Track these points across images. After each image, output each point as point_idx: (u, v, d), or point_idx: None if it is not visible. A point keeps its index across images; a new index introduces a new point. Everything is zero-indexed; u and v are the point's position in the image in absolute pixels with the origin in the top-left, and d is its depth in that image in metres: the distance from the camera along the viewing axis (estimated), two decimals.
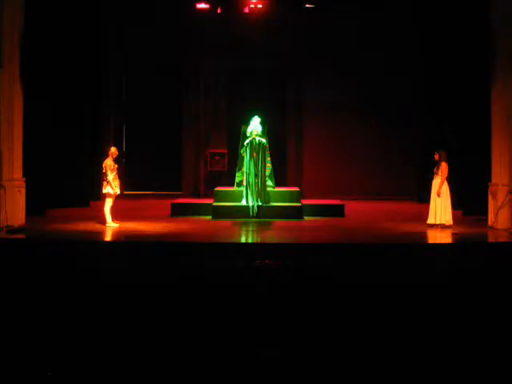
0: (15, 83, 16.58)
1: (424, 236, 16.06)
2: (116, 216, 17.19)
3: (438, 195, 16.51)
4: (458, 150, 18.46)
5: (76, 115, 20.21)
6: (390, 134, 23.76)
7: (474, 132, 18.25)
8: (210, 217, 18.80)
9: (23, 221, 16.76)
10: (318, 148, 24.06)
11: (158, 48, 23.86)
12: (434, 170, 16.71)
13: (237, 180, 20.00)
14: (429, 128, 21.26)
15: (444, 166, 16.57)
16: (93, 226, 16.95)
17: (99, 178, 18.33)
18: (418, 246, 15.12)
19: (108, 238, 15.84)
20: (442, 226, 16.54)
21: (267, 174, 19.57)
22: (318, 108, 23.91)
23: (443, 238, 15.80)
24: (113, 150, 17.08)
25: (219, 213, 18.78)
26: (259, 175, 18.89)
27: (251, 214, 18.59)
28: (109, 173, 16.70)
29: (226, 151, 24.25)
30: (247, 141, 19.09)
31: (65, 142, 19.66)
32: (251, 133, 19.11)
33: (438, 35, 20.46)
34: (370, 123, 23.75)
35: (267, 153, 19.35)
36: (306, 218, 18.86)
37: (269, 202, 19.12)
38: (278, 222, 18.24)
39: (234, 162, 21.04)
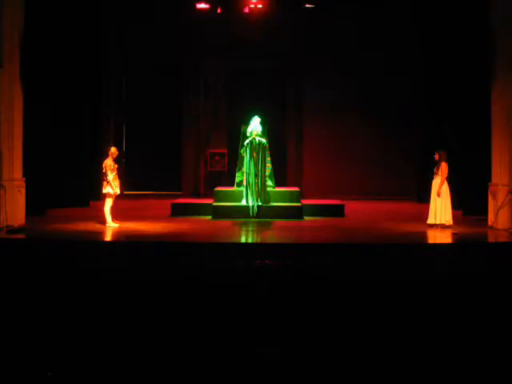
0: (15, 83, 16.59)
1: (424, 236, 16.08)
2: (116, 216, 17.21)
3: (438, 195, 16.52)
4: (458, 149, 18.47)
5: (76, 115, 20.23)
6: (390, 134, 23.77)
7: (473, 132, 18.26)
8: (210, 217, 18.82)
9: (23, 221, 16.78)
10: (318, 148, 24.07)
11: (158, 48, 23.87)
12: (434, 170, 16.71)
13: (237, 180, 20.02)
14: (429, 128, 21.26)
15: (444, 165, 16.58)
16: (93, 226, 16.97)
17: (99, 178, 18.35)
18: (417, 246, 15.13)
19: (108, 238, 15.85)
20: (442, 226, 16.55)
21: (267, 174, 19.59)
22: (318, 108, 23.92)
23: (443, 237, 15.82)
24: (113, 149, 17.09)
25: (219, 213, 18.79)
26: (259, 175, 18.91)
27: (251, 214, 18.61)
28: (109, 173, 16.70)
29: (226, 151, 24.27)
30: (247, 141, 19.10)
31: (65, 141, 19.68)
32: (251, 133, 19.12)
33: (437, 35, 20.47)
34: (369, 123, 23.75)
35: (267, 153, 19.37)
36: (306, 218, 18.87)
37: (269, 202, 19.13)
38: (278, 221, 18.26)
39: (234, 162, 21.06)
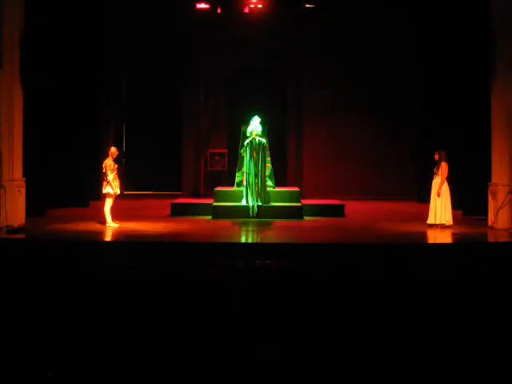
0: (15, 83, 16.59)
1: (424, 236, 16.09)
2: (116, 216, 17.24)
3: (438, 195, 16.54)
4: (458, 149, 18.45)
5: (76, 115, 20.25)
6: (390, 134, 23.71)
7: (474, 132, 18.29)
8: (210, 217, 18.86)
9: (23, 221, 16.79)
10: (318, 148, 24.02)
11: (158, 48, 23.85)
12: (434, 170, 16.75)
13: (237, 180, 20.07)
14: (429, 128, 21.24)
15: (444, 165, 16.60)
16: (93, 226, 17.01)
17: (99, 178, 18.36)
18: (417, 246, 15.14)
19: (108, 238, 15.88)
20: (442, 226, 16.58)
21: (267, 174, 19.65)
22: (318, 108, 23.87)
23: (443, 237, 15.85)
24: (113, 149, 17.12)
25: (219, 213, 18.82)
26: (259, 175, 18.96)
27: (251, 214, 18.66)
28: (109, 173, 16.71)
29: (226, 151, 24.26)
30: (247, 141, 19.15)
31: (65, 142, 19.71)
32: (251, 133, 19.17)
33: (437, 36, 20.52)
34: (370, 123, 23.69)
35: (267, 153, 19.44)
36: (306, 218, 18.93)
37: (269, 202, 19.18)
38: (278, 222, 18.30)
39: (234, 162, 21.12)
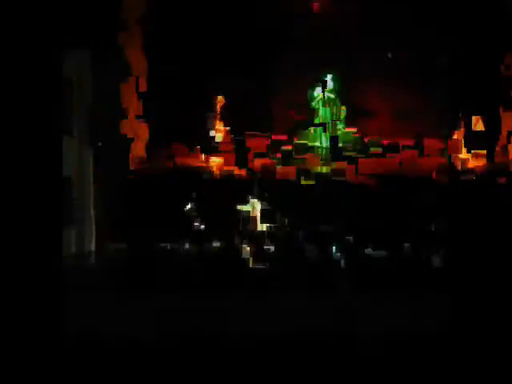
0: None
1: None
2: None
3: None
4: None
5: None
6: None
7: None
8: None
9: (145, 156, 18.77)
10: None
11: None
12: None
13: (310, 127, 21.71)
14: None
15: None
16: (197, 162, 19.39)
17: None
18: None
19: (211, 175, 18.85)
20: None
21: (341, 117, 21.65)
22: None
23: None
24: (219, 98, 20.41)
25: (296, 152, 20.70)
26: (331, 120, 21.43)
27: (322, 153, 20.78)
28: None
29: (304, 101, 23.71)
30: (319, 94, 21.65)
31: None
32: (322, 90, 21.64)
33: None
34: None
35: (338, 102, 21.73)
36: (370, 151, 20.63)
37: (337, 144, 20.85)
38: (341, 163, 20.20)
39: (311, 111, 22.26)
